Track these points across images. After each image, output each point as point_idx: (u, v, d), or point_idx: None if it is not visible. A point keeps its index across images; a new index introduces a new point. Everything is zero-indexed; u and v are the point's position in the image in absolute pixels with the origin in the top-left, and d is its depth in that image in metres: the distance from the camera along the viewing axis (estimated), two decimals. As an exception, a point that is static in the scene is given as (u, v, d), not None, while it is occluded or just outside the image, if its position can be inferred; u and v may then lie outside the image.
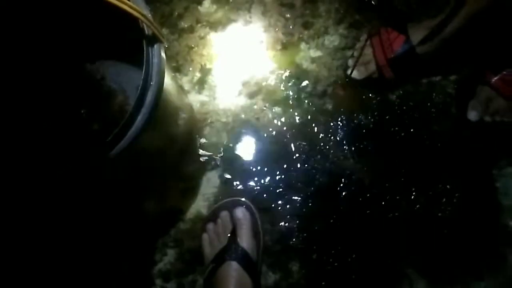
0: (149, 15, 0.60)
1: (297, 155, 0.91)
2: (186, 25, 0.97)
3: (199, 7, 0.99)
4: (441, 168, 0.87)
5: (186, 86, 0.97)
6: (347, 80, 0.93)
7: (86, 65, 0.82)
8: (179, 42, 0.97)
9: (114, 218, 0.83)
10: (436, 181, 0.87)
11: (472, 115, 0.86)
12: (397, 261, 0.84)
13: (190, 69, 0.96)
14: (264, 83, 0.95)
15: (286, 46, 0.97)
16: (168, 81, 0.65)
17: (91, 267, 0.90)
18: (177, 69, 0.97)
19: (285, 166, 0.90)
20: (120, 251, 0.90)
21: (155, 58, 0.58)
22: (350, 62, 0.93)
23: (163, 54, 0.60)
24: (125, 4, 0.51)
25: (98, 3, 0.48)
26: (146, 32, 0.58)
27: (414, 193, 0.86)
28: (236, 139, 0.94)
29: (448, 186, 0.86)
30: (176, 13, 0.97)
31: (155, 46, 0.59)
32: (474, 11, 0.76)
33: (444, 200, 0.85)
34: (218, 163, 0.93)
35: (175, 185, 0.91)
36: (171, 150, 0.78)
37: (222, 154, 0.93)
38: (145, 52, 0.57)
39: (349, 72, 0.92)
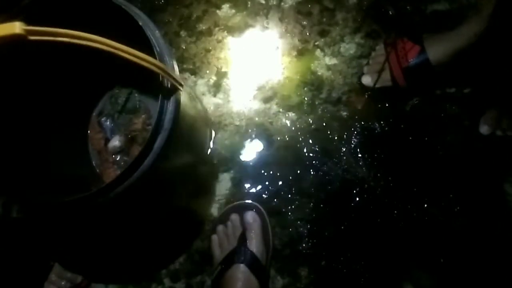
0: (172, 62, 0.60)
1: (309, 160, 0.91)
2: (204, 28, 0.98)
3: (217, 11, 1.00)
4: (453, 179, 0.87)
5: (201, 89, 0.98)
6: (361, 88, 0.94)
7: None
8: (197, 45, 0.98)
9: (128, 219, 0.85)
10: (448, 191, 0.87)
11: (484, 129, 0.88)
12: (406, 271, 0.84)
13: (207, 72, 0.97)
14: (279, 88, 0.96)
15: (302, 52, 0.97)
16: (185, 101, 0.66)
17: (104, 264, 0.91)
18: (193, 72, 0.98)
19: (297, 171, 0.91)
20: (130, 249, 0.90)
21: (170, 105, 0.58)
22: (365, 69, 0.94)
23: (179, 98, 0.60)
24: (145, 60, 0.51)
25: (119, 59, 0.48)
26: (165, 82, 0.58)
27: (426, 203, 0.86)
28: (249, 142, 0.94)
29: (460, 197, 0.86)
30: (195, 16, 0.99)
31: (172, 94, 0.59)
32: (482, 28, 0.77)
33: (455, 210, 0.85)
34: (230, 166, 0.94)
35: (188, 187, 0.92)
36: (186, 164, 0.79)
37: (234, 157, 0.94)
38: (160, 99, 0.58)
39: (363, 79, 0.93)
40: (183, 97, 0.63)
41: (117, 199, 0.57)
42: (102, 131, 0.89)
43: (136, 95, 0.88)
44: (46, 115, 0.78)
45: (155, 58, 0.57)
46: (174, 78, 0.56)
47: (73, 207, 0.58)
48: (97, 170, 0.88)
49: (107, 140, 0.88)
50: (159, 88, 0.58)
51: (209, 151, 0.93)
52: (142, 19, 0.62)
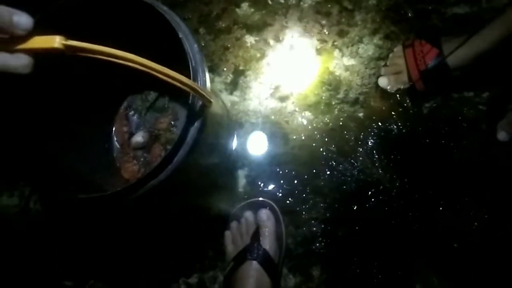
0: (205, 78, 0.59)
1: (325, 160, 0.91)
2: (223, 26, 0.99)
3: (237, 9, 1.01)
4: (469, 184, 0.87)
5: (218, 86, 0.98)
6: (379, 89, 0.94)
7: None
8: (215, 42, 0.99)
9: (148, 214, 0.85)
10: (464, 195, 0.86)
11: (502, 135, 0.86)
12: (418, 273, 0.84)
13: (224, 69, 0.98)
14: (295, 88, 0.96)
15: (320, 52, 0.97)
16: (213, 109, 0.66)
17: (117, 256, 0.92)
18: (211, 69, 0.99)
19: (312, 170, 0.91)
20: (143, 243, 0.91)
21: (196, 123, 0.58)
22: (383, 71, 0.94)
23: (207, 115, 0.60)
24: (179, 81, 0.51)
25: (152, 77, 0.48)
26: (195, 100, 0.58)
27: (441, 207, 0.86)
28: (265, 140, 0.95)
29: (475, 202, 0.86)
30: (215, 13, 0.99)
31: (200, 111, 0.59)
32: (508, 33, 0.76)
33: (471, 214, 0.85)
34: (245, 163, 0.94)
35: (207, 186, 0.93)
36: (208, 164, 0.80)
37: (249, 155, 0.94)
38: (187, 114, 0.58)
39: (380, 81, 0.93)
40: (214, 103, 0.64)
41: (136, 200, 0.58)
42: (128, 125, 0.90)
43: (166, 96, 0.89)
44: (75, 105, 0.78)
45: (189, 72, 0.57)
46: (204, 97, 0.56)
47: (95, 203, 0.58)
48: (117, 164, 0.88)
49: (131, 135, 0.89)
50: (188, 102, 0.58)
51: (233, 147, 0.94)
52: (182, 30, 0.61)
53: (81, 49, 0.41)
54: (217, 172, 0.90)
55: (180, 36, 0.60)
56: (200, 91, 0.54)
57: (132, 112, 0.91)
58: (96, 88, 0.81)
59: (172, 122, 0.87)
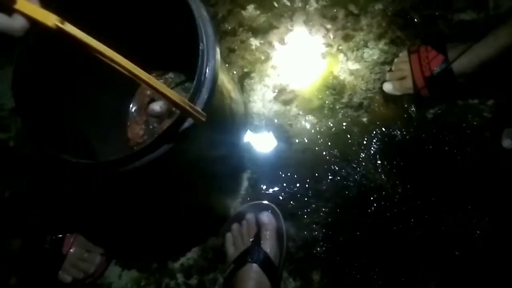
0: (205, 96, 0.58)
1: (328, 164, 0.91)
2: (228, 28, 0.99)
3: (242, 11, 1.01)
4: (473, 191, 0.86)
5: (223, 87, 0.99)
6: (383, 94, 0.94)
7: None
8: (221, 44, 0.99)
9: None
10: (466, 203, 0.86)
11: (507, 143, 0.86)
12: (420, 280, 0.83)
13: (230, 71, 0.98)
14: (299, 91, 0.96)
15: (325, 56, 0.97)
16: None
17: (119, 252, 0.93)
18: (216, 70, 0.99)
19: (315, 174, 0.91)
20: (145, 243, 0.91)
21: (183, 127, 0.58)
22: (387, 76, 0.94)
23: (199, 126, 0.59)
24: (168, 98, 0.51)
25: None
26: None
27: (443, 214, 0.85)
28: (267, 143, 0.95)
29: (477, 209, 0.85)
30: (220, 15, 0.99)
31: (188, 128, 0.58)
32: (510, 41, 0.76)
33: (473, 222, 0.84)
34: (248, 165, 0.94)
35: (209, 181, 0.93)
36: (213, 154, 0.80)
37: (252, 157, 0.94)
38: (176, 118, 0.57)
39: (385, 86, 0.92)
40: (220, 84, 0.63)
41: (137, 171, 0.57)
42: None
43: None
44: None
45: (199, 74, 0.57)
46: (195, 116, 0.54)
47: (96, 170, 0.58)
48: (128, 121, 0.91)
49: (152, 100, 0.91)
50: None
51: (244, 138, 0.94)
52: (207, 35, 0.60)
53: (72, 37, 0.41)
54: (226, 169, 0.90)
55: (201, 48, 0.59)
56: (191, 110, 0.53)
57: (162, 81, 0.92)
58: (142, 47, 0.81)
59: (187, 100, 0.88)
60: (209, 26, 0.61)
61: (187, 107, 0.52)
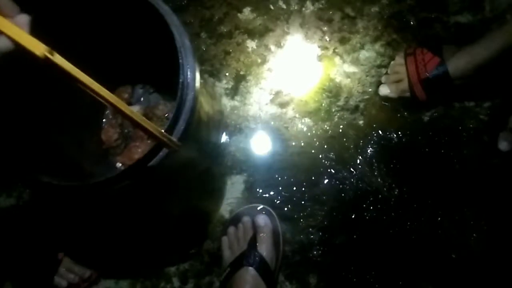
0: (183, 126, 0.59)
1: (324, 167, 0.91)
2: (224, 30, 0.99)
3: (238, 14, 1.00)
4: (469, 194, 0.86)
5: (219, 90, 0.98)
6: (379, 97, 0.93)
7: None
8: (216, 47, 0.98)
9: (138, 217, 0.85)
10: (463, 206, 0.86)
11: (503, 146, 0.86)
12: (416, 283, 0.83)
13: (226, 74, 0.98)
14: (296, 94, 0.96)
15: (321, 59, 0.97)
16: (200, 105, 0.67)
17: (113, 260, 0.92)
18: (212, 73, 0.99)
19: (311, 177, 0.90)
20: (140, 245, 0.91)
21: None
22: (384, 79, 0.93)
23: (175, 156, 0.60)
24: (145, 130, 0.52)
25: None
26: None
27: (439, 217, 0.85)
28: (264, 146, 0.94)
29: (474, 212, 0.85)
30: (216, 18, 0.99)
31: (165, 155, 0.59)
32: (510, 42, 0.76)
33: (470, 225, 0.84)
34: (244, 169, 0.94)
35: (200, 187, 0.93)
36: (191, 165, 0.80)
37: (248, 160, 0.94)
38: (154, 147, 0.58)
39: (380, 89, 0.92)
40: (200, 99, 0.64)
41: (118, 192, 0.58)
42: (130, 93, 0.92)
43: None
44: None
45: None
46: (169, 145, 0.56)
47: (80, 192, 0.58)
48: (103, 124, 0.91)
49: (129, 104, 0.90)
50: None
51: (222, 150, 0.94)
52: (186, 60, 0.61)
53: (60, 68, 0.41)
54: (211, 174, 0.92)
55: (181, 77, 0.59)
56: (166, 141, 0.54)
57: (141, 85, 0.92)
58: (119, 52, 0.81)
59: (167, 115, 0.88)
60: (190, 56, 0.61)
61: (164, 139, 0.54)
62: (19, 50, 0.39)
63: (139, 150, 0.86)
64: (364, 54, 0.97)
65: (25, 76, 0.66)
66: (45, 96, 0.73)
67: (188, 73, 0.60)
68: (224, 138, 0.95)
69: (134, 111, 0.76)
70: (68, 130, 0.79)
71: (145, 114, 0.88)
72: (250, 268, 0.79)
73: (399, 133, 0.91)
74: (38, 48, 0.39)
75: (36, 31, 0.41)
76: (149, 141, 0.87)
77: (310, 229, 0.87)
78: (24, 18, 0.41)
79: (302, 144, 0.93)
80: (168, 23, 0.61)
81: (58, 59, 0.40)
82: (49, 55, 0.39)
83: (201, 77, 0.97)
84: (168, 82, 0.66)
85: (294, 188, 0.91)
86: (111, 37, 0.75)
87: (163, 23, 0.61)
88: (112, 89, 0.88)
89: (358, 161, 0.90)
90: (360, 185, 0.88)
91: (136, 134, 0.89)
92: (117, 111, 0.47)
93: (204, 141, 0.80)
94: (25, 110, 0.69)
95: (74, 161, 0.75)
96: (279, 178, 0.92)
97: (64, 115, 0.79)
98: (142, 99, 0.93)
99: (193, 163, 0.78)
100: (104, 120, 0.92)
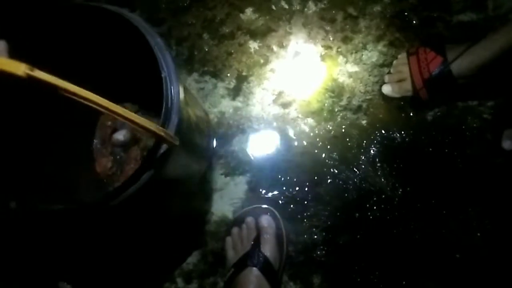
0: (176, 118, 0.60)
1: (327, 167, 0.91)
2: (227, 31, 0.99)
3: (240, 14, 1.00)
4: (473, 193, 0.86)
5: (221, 91, 0.98)
6: (382, 96, 0.93)
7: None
8: (219, 48, 0.98)
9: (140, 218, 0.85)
10: (467, 205, 0.85)
11: (507, 144, 0.86)
12: (421, 283, 0.83)
13: (228, 75, 0.98)
14: (298, 94, 0.96)
15: (324, 58, 0.97)
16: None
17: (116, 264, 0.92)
18: (214, 74, 0.99)
19: (314, 177, 0.90)
20: (143, 249, 0.91)
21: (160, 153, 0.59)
22: (386, 78, 0.93)
23: (173, 151, 0.61)
24: (141, 126, 0.52)
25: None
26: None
27: (443, 217, 0.85)
28: (267, 147, 0.94)
29: (478, 212, 0.85)
30: (218, 19, 0.99)
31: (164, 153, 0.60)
32: (510, 42, 0.75)
33: (474, 225, 0.84)
34: (247, 169, 0.94)
35: (201, 188, 0.93)
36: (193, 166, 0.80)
37: (251, 161, 0.94)
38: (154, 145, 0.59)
39: (383, 89, 0.92)
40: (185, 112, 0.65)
41: (117, 207, 0.58)
42: (113, 119, 0.90)
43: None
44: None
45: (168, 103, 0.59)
46: (168, 141, 0.56)
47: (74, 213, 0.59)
48: (94, 155, 0.90)
49: (114, 130, 0.90)
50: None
51: (210, 159, 0.94)
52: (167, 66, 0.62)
53: (44, 82, 0.41)
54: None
55: (163, 76, 0.60)
56: (164, 136, 0.55)
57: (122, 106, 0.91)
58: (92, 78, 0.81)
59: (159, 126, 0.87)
60: (166, 53, 0.62)
61: (162, 134, 0.54)
62: (1, 75, 0.40)
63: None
64: (366, 53, 0.97)
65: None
66: (34, 136, 0.74)
67: (168, 68, 0.61)
68: (214, 140, 0.96)
69: (120, 136, 0.82)
70: (60, 169, 0.79)
71: (134, 136, 0.88)
72: (254, 268, 0.79)
73: (402, 132, 0.91)
74: (18, 68, 0.40)
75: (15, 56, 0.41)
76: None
77: (314, 229, 0.88)
78: (1, 45, 0.41)
79: (305, 144, 0.93)
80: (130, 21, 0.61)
81: (39, 73, 0.41)
82: (30, 72, 0.40)
83: (202, 79, 0.99)
84: (148, 97, 0.66)
85: (297, 188, 0.91)
86: (90, 58, 0.76)
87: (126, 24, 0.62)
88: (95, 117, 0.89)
89: (361, 161, 0.90)
90: (364, 185, 0.88)
91: (129, 157, 0.89)
92: (110, 112, 0.47)
93: (197, 138, 0.81)
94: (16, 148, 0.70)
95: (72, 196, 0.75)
96: (282, 179, 0.92)
97: (55, 156, 0.79)
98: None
99: (190, 163, 0.78)
100: (94, 152, 0.91)
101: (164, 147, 0.59)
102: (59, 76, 0.43)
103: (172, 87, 0.60)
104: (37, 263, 0.89)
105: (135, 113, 0.87)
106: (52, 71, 0.42)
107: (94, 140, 0.91)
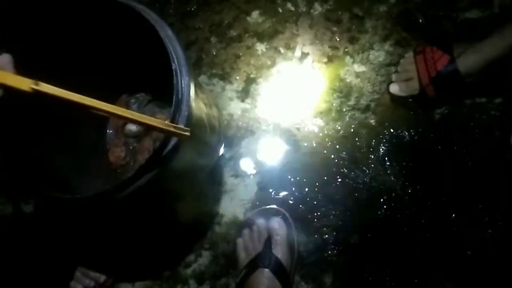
0: (187, 111, 0.61)
1: (336, 167, 0.91)
2: (234, 34, 1.00)
3: (247, 17, 1.01)
4: (483, 190, 0.86)
5: (229, 94, 0.99)
6: (390, 96, 0.94)
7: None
8: (227, 51, 0.99)
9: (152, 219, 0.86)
10: (477, 202, 0.85)
11: None
12: (433, 281, 0.83)
13: (236, 77, 0.99)
14: (307, 95, 0.97)
15: (331, 59, 0.98)
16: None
17: (129, 263, 0.93)
18: (222, 77, 1.00)
19: (324, 177, 0.91)
20: (156, 250, 0.92)
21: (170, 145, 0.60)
22: (394, 77, 0.94)
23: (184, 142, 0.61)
24: (151, 126, 0.53)
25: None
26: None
27: (454, 214, 0.85)
28: (276, 147, 0.95)
29: (488, 209, 0.85)
30: (226, 22, 1.00)
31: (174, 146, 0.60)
32: None
33: (484, 222, 0.84)
34: (257, 170, 0.94)
35: (211, 190, 0.94)
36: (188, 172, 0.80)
37: (261, 162, 0.94)
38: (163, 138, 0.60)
39: (391, 88, 0.92)
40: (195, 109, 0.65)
41: (127, 199, 0.59)
42: None
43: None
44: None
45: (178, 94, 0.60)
46: (179, 134, 0.57)
47: (88, 203, 0.60)
48: (107, 145, 0.92)
49: (124, 125, 0.91)
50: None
51: (220, 155, 0.94)
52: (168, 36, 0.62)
53: (50, 96, 0.42)
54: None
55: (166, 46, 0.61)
56: (174, 130, 0.55)
57: (134, 100, 0.93)
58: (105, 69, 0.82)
59: (167, 121, 0.88)
60: (177, 45, 0.62)
61: (171, 129, 0.55)
62: (7, 90, 0.41)
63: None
64: (373, 53, 0.97)
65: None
66: (47, 130, 0.75)
67: (178, 60, 0.62)
68: (224, 138, 0.95)
69: (133, 127, 0.83)
70: (75, 158, 0.80)
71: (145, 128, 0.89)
72: (266, 269, 0.79)
73: (411, 131, 0.91)
74: (24, 83, 0.41)
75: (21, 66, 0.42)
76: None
77: (325, 229, 0.88)
78: (6, 58, 0.42)
79: (314, 144, 0.93)
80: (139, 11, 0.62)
81: (45, 87, 0.42)
82: (35, 87, 0.41)
83: (210, 82, 1.00)
84: (161, 87, 0.67)
85: (307, 189, 0.91)
86: (99, 49, 0.76)
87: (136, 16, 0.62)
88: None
89: (371, 160, 0.90)
90: (374, 184, 0.88)
91: (142, 147, 0.90)
92: (117, 117, 0.48)
93: (208, 132, 0.81)
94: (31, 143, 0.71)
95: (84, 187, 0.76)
96: (292, 179, 0.92)
97: (69, 145, 0.80)
98: (136, 110, 0.93)
99: (199, 155, 0.79)
100: (108, 142, 0.93)
101: (174, 138, 0.59)
102: (73, 71, 0.43)
103: (182, 79, 0.61)
104: (47, 258, 0.90)
105: (148, 103, 0.92)
106: (68, 66, 0.43)
107: (108, 131, 0.93)
